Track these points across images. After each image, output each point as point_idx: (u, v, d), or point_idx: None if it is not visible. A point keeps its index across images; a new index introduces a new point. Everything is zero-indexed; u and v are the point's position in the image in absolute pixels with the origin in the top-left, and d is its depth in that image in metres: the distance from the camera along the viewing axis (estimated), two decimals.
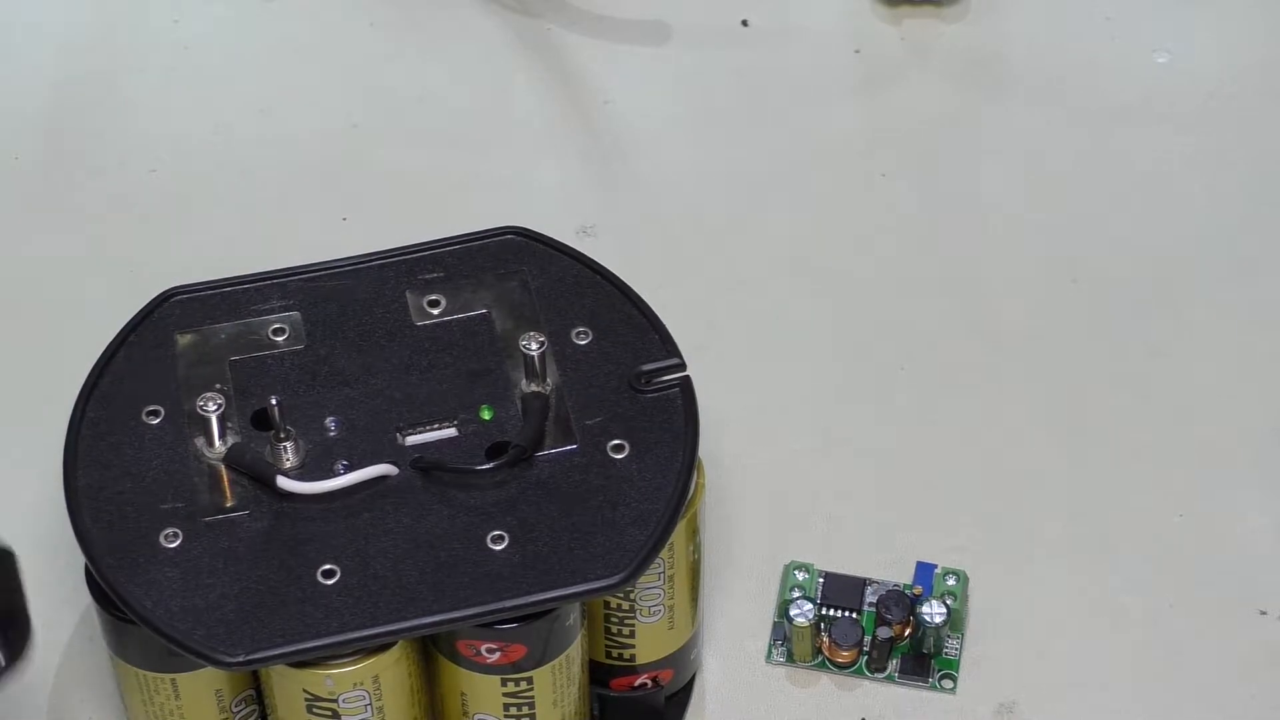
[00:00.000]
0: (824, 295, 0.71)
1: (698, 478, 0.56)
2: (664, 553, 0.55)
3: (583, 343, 0.58)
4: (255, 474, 0.54)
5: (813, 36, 0.79)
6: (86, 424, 0.56)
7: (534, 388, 0.56)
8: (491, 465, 0.55)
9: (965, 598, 0.62)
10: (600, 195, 0.74)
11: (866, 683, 0.61)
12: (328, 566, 0.53)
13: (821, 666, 0.61)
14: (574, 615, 0.54)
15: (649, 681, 0.59)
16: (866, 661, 0.61)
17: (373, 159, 0.76)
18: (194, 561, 0.53)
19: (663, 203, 0.74)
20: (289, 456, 0.55)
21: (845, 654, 0.61)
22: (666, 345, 0.58)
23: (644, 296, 0.59)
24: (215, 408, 0.55)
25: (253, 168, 0.75)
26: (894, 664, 0.61)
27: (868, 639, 0.61)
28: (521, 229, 0.61)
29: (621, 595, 0.56)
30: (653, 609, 0.57)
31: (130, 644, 0.54)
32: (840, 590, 0.62)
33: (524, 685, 0.54)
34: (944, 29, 0.79)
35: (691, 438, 0.56)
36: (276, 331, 0.58)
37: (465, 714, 0.55)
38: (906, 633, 0.61)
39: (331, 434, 0.56)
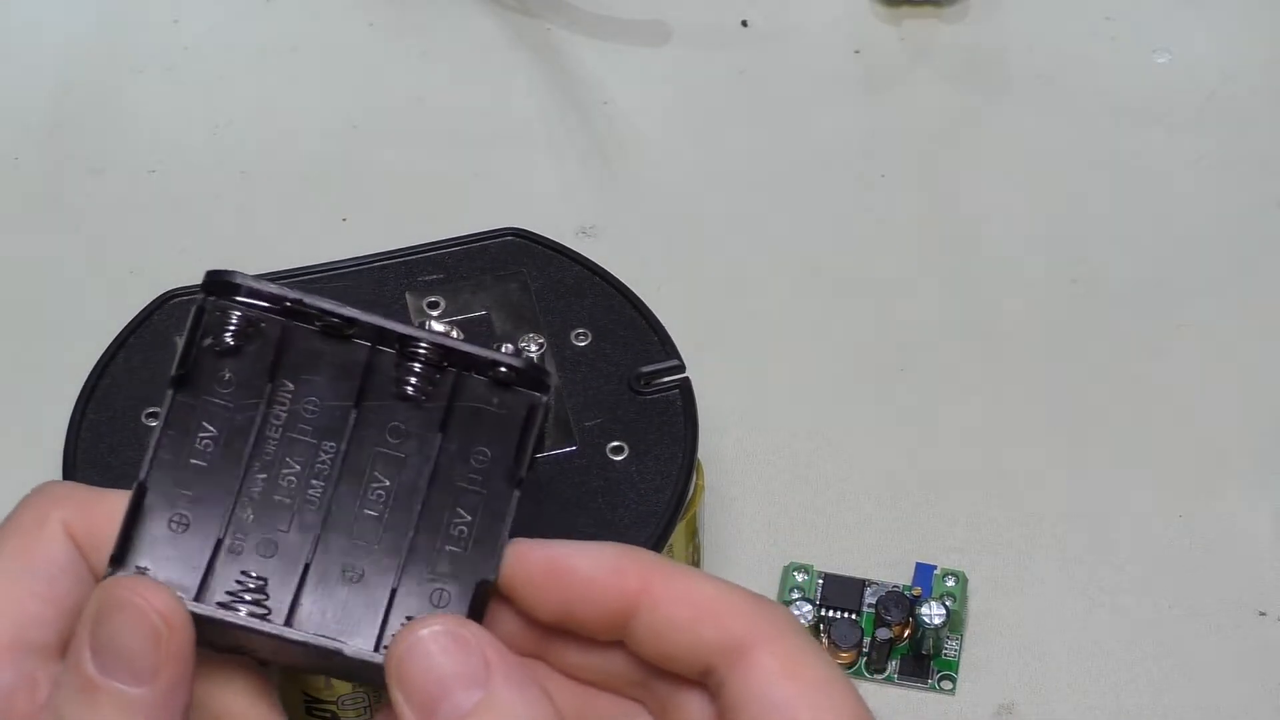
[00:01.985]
0: (824, 295, 0.71)
1: (697, 479, 0.56)
2: (663, 554, 0.55)
3: (582, 344, 0.58)
4: None
5: (813, 36, 0.79)
6: (86, 426, 0.56)
7: None
8: None
9: (964, 599, 0.62)
10: (600, 195, 0.74)
11: (865, 684, 0.61)
12: None
13: None
14: None
15: None
16: (866, 663, 0.61)
17: (373, 159, 0.76)
18: None
19: (663, 203, 0.74)
20: None
21: (844, 655, 0.61)
22: (666, 347, 0.58)
23: (644, 297, 0.59)
24: None
25: (253, 168, 0.75)
26: (893, 665, 0.61)
27: (867, 640, 0.61)
28: (521, 230, 0.61)
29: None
30: None
31: None
32: (839, 591, 0.62)
33: None
34: (944, 29, 0.79)
35: (691, 439, 0.56)
36: None
37: None
38: (906, 634, 0.61)
39: None
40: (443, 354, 0.43)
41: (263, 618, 0.41)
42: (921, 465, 0.66)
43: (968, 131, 0.77)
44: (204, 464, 0.42)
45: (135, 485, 0.41)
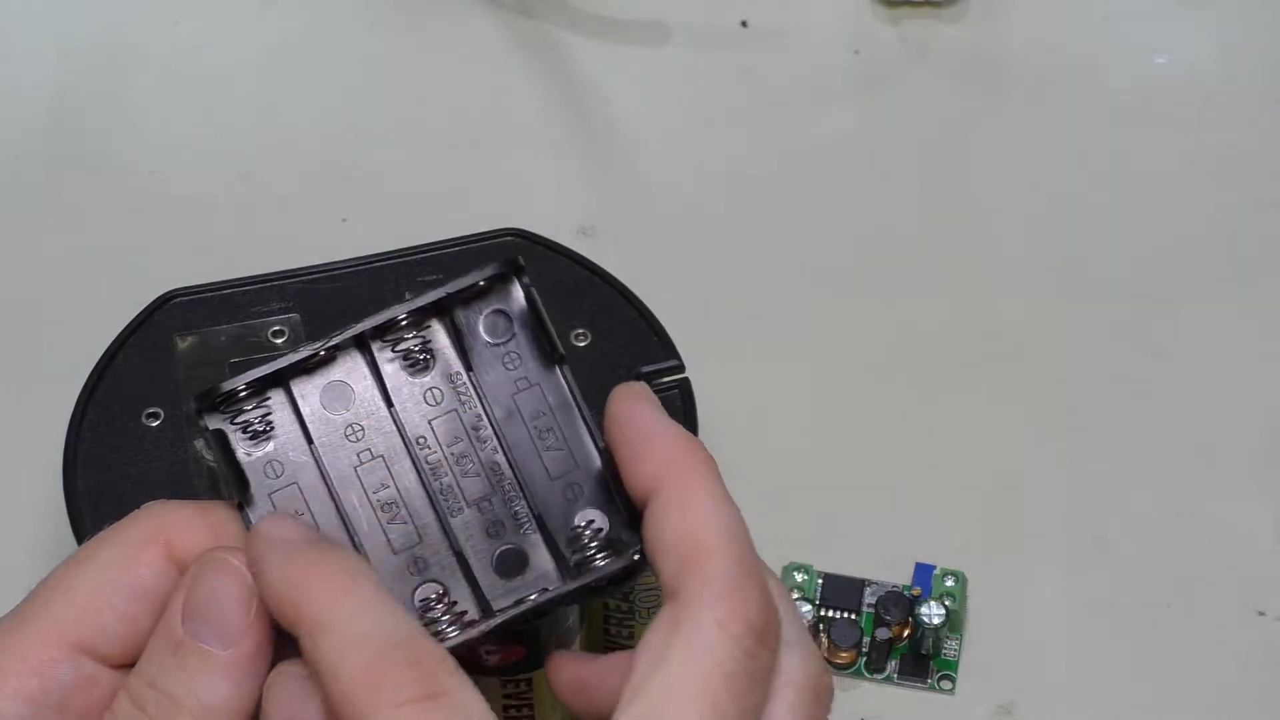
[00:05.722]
0: (824, 295, 0.71)
1: None
2: None
3: (582, 344, 0.58)
4: None
5: (812, 36, 0.79)
6: (86, 426, 0.56)
7: None
8: None
9: (964, 598, 0.62)
10: (600, 195, 0.74)
11: (865, 684, 0.61)
12: None
13: None
14: (573, 617, 0.54)
15: None
16: (865, 662, 0.61)
17: (373, 159, 0.76)
18: None
19: (663, 203, 0.74)
20: None
21: (844, 655, 0.61)
22: (665, 347, 0.58)
23: (644, 297, 0.59)
24: None
25: (253, 168, 0.75)
26: (893, 665, 0.61)
27: (866, 640, 0.61)
28: (520, 231, 0.61)
29: (620, 597, 0.56)
30: (652, 610, 0.57)
31: None
32: (839, 591, 0.62)
33: (523, 687, 0.54)
34: (944, 29, 0.79)
35: None
36: (276, 334, 0.58)
37: None
38: (905, 634, 0.61)
39: None
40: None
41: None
42: (921, 465, 0.66)
43: (967, 131, 0.76)
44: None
45: None
